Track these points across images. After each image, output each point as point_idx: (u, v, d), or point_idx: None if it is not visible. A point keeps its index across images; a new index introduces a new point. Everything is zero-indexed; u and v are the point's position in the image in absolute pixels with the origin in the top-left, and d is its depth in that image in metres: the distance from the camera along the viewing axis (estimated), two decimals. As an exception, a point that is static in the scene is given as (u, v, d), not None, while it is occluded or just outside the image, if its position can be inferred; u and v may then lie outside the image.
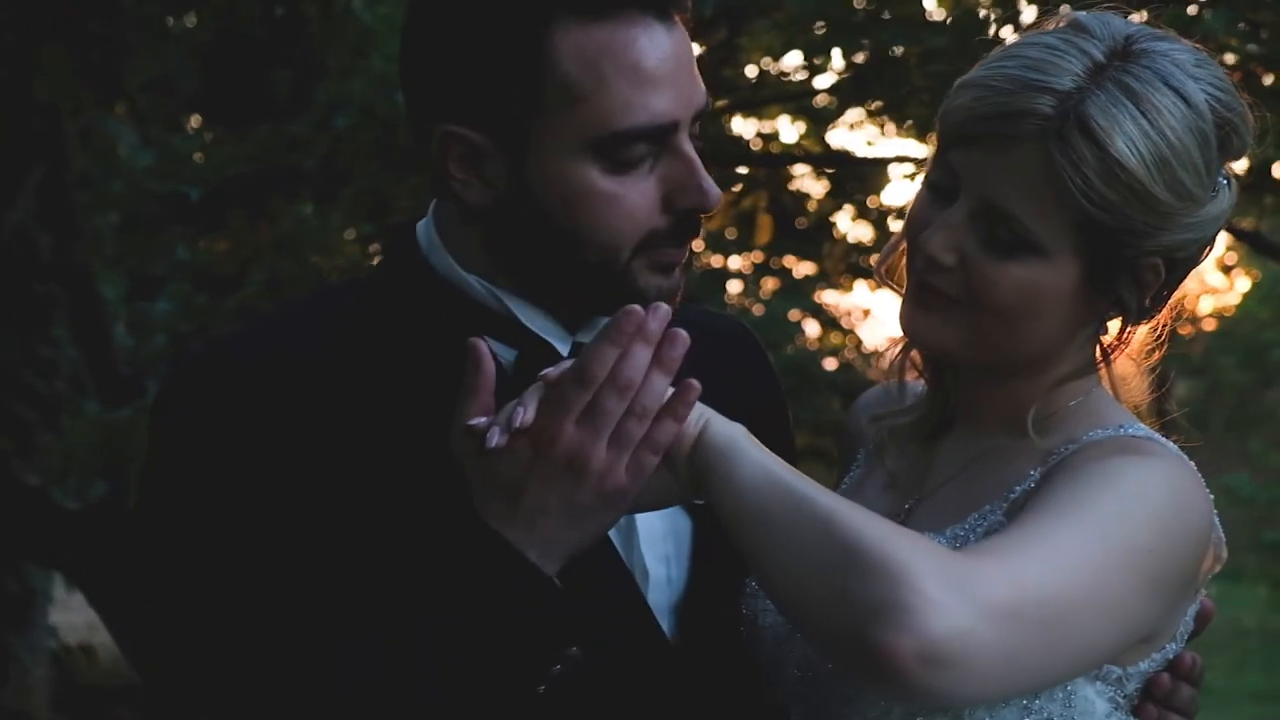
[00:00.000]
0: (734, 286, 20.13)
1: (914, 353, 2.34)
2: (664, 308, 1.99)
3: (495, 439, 1.98)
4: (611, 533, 2.14)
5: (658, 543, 2.21)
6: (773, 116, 7.94)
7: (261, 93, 6.27)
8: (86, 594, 7.15)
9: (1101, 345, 2.27)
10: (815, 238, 9.07)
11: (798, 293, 18.68)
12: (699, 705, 2.20)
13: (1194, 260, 2.21)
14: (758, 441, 2.04)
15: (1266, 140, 5.95)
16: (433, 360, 2.13)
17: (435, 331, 2.16)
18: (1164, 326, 2.30)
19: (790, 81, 6.53)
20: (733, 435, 2.02)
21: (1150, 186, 2.09)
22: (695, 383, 1.99)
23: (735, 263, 19.75)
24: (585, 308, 2.19)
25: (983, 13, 5.84)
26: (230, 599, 2.08)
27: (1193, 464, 2.17)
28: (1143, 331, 2.26)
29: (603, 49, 2.04)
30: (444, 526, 2.03)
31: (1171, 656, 2.20)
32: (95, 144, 6.26)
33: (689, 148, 2.11)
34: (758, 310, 18.02)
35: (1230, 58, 5.22)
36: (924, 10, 5.44)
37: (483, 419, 2.00)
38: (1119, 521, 2.01)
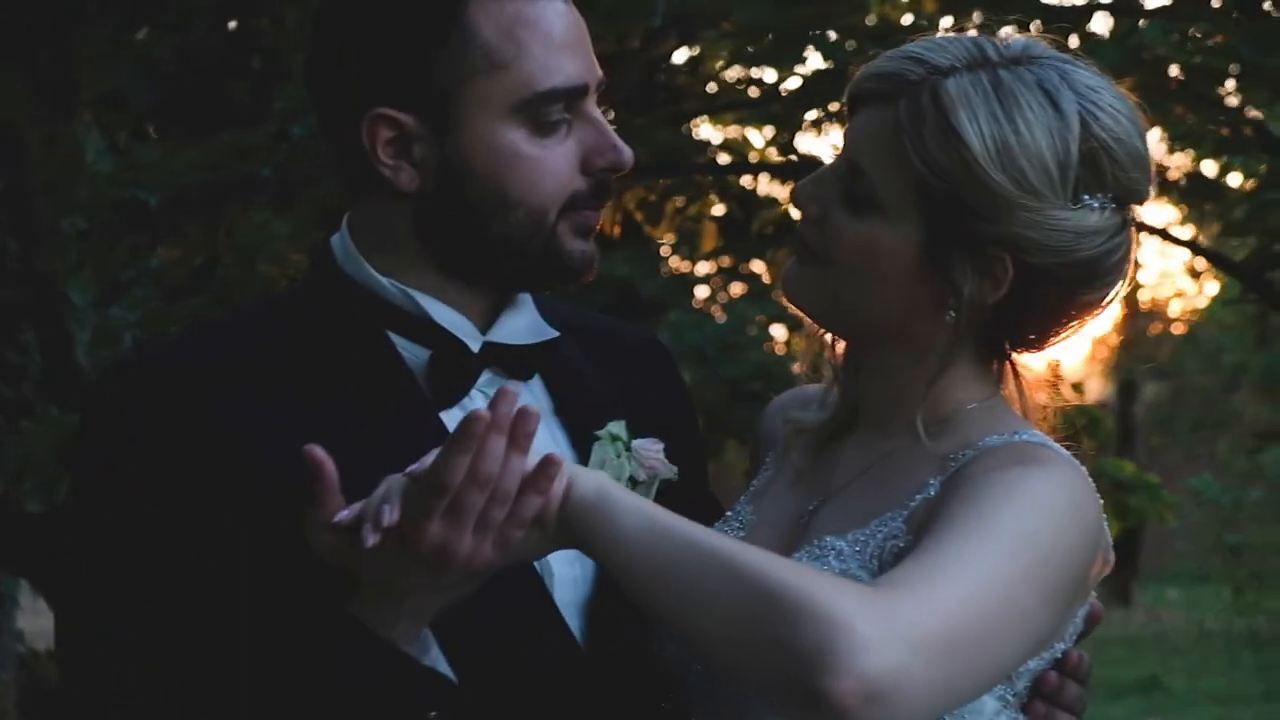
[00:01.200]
0: (702, 291, 20.17)
1: (829, 353, 2.39)
2: (510, 391, 1.99)
3: (370, 540, 1.97)
4: None
5: None
6: (728, 124, 8.04)
7: (220, 102, 6.33)
8: (47, 598, 7.19)
9: (1013, 365, 2.32)
10: (779, 242, 9.15)
11: (764, 297, 18.74)
12: (605, 703, 2.26)
13: (1059, 275, 2.20)
14: (627, 489, 2.07)
15: (1205, 147, 6.00)
16: (349, 363, 2.24)
17: (351, 335, 2.26)
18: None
19: (743, 89, 6.62)
20: (601, 487, 2.01)
21: (985, 164, 2.13)
22: (557, 455, 2.00)
23: (703, 268, 19.78)
24: (513, 283, 2.30)
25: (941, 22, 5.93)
26: (149, 606, 2.16)
27: (1084, 469, 2.21)
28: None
29: (516, 19, 2.19)
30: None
31: (1059, 655, 2.25)
32: (61, 151, 6.29)
33: (598, 113, 2.26)
34: (723, 315, 18.03)
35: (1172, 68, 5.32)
36: (865, 21, 5.52)
37: (347, 512, 1.99)
38: (1023, 536, 2.05)
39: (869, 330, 2.27)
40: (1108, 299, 2.27)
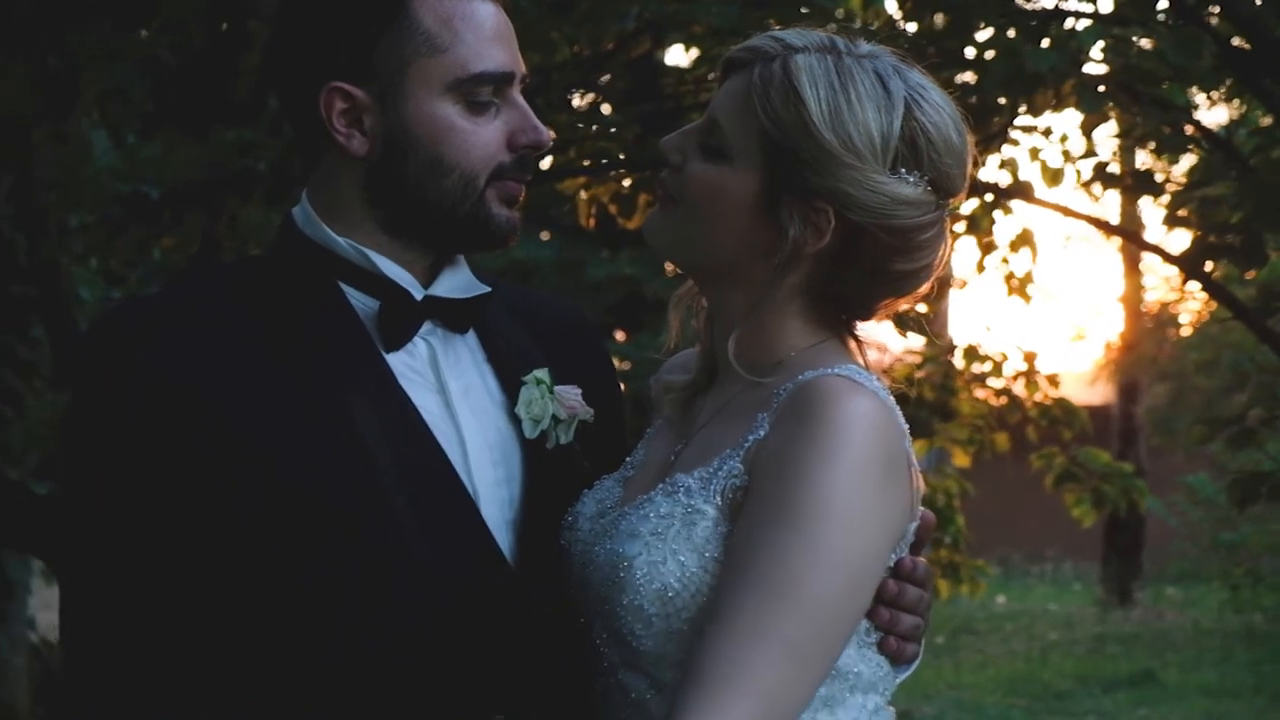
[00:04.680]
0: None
1: (695, 321, 2.71)
2: None
3: None
4: (451, 455, 2.56)
5: (489, 469, 2.60)
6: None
7: (218, 100, 6.61)
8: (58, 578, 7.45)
9: (851, 331, 2.62)
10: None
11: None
12: (532, 617, 2.56)
13: (876, 238, 2.50)
14: None
15: (1145, 145, 6.23)
16: (306, 311, 2.58)
17: (308, 287, 2.60)
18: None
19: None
20: None
21: (818, 123, 2.46)
22: None
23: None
24: (447, 243, 2.64)
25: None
26: (134, 568, 2.48)
27: (890, 399, 2.52)
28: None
29: (454, 12, 2.58)
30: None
31: (893, 564, 2.53)
32: (70, 146, 6.54)
33: (522, 100, 2.63)
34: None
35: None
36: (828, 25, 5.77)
37: None
38: (842, 544, 2.38)
39: (711, 269, 2.60)
40: (921, 275, 2.58)
